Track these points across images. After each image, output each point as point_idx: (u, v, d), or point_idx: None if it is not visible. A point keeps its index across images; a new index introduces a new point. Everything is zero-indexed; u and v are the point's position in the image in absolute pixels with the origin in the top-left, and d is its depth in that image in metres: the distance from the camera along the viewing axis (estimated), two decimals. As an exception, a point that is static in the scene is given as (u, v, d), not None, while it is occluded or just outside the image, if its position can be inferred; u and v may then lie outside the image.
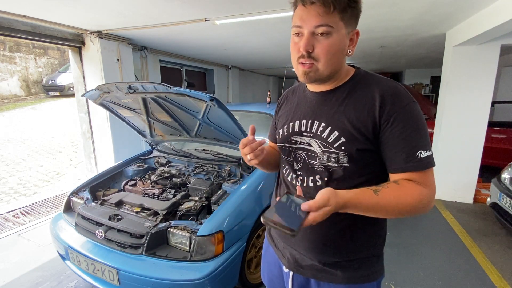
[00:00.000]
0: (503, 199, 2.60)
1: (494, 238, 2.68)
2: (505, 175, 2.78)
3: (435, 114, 3.87)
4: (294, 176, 0.86)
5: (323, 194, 0.62)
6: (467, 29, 2.83)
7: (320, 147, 0.79)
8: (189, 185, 1.96)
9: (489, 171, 4.11)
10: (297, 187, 0.72)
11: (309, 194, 0.82)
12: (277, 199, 0.67)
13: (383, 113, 0.72)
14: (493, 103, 4.34)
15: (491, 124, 4.09)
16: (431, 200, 0.71)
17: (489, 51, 3.08)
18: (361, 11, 0.74)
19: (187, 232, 1.51)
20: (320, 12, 0.69)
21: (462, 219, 3.06)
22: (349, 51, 0.77)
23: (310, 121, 0.83)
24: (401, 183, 0.70)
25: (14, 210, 3.20)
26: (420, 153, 0.70)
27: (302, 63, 0.74)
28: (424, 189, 0.70)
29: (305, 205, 0.60)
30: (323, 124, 0.79)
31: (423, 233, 2.76)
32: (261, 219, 0.58)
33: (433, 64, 6.73)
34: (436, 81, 7.74)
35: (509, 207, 2.51)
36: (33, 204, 3.39)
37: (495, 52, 3.07)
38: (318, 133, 0.80)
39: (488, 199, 2.91)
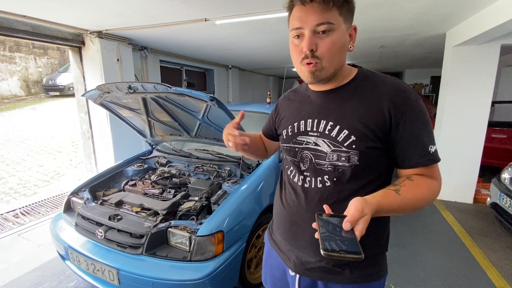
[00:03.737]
0: (503, 199, 2.60)
1: (494, 238, 2.68)
2: (505, 175, 2.78)
3: (435, 114, 3.87)
4: (301, 177, 0.84)
5: (356, 205, 0.62)
6: (467, 29, 2.83)
7: (329, 146, 0.77)
8: (189, 185, 1.96)
9: (489, 171, 4.12)
10: (324, 207, 0.69)
11: (318, 195, 0.81)
12: (314, 225, 0.65)
13: (394, 112, 0.72)
14: (493, 103, 4.35)
15: (491, 124, 4.09)
16: (439, 190, 0.76)
17: (489, 51, 3.08)
18: (355, 7, 0.75)
19: (187, 232, 1.51)
20: (320, 9, 0.69)
21: (462, 219, 3.06)
22: (350, 47, 0.77)
23: (316, 120, 0.82)
24: (415, 179, 0.73)
25: (14, 210, 3.20)
26: (431, 148, 0.73)
27: (307, 63, 0.73)
28: (434, 182, 0.75)
29: (347, 225, 0.59)
30: (331, 123, 0.78)
31: (423, 233, 2.76)
32: (322, 253, 0.56)
33: (433, 64, 6.72)
34: (436, 81, 7.73)
35: (509, 207, 2.51)
36: (33, 204, 3.39)
37: (495, 52, 3.07)
38: (326, 132, 0.78)
39: (488, 199, 2.91)
